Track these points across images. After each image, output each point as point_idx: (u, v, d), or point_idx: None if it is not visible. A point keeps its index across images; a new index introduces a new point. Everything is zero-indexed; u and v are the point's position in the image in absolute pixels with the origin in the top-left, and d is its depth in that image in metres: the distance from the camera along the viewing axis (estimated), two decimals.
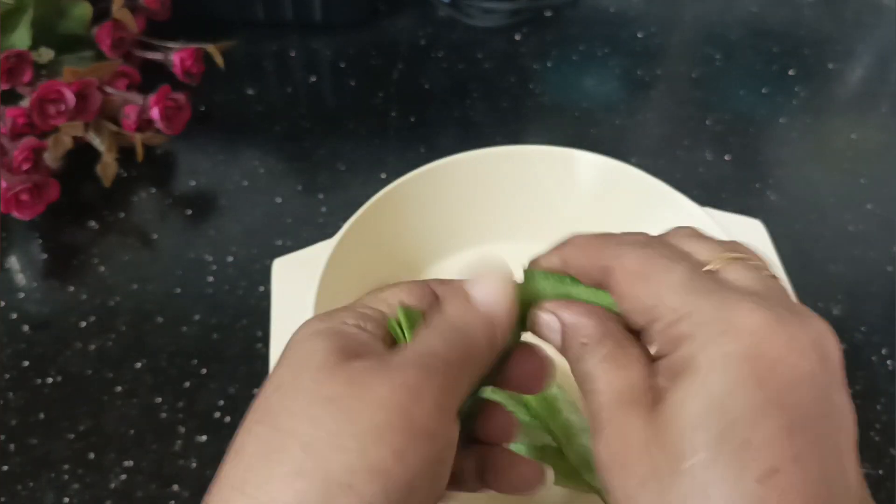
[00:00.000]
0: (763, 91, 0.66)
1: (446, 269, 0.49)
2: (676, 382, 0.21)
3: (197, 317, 0.50)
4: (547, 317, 0.26)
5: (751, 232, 0.44)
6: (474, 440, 0.28)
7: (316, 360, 0.23)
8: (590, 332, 0.25)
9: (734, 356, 0.20)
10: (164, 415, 0.45)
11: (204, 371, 0.47)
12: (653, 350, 0.23)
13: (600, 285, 0.26)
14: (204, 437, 0.44)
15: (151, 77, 0.61)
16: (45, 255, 0.54)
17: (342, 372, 0.22)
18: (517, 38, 0.71)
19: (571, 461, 0.34)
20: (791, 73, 0.68)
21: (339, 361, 0.23)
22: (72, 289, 0.51)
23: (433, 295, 0.27)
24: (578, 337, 0.25)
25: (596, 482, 0.33)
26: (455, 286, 0.27)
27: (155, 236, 0.55)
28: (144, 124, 0.58)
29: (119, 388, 0.46)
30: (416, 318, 0.26)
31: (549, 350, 0.27)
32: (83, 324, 0.50)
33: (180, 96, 0.58)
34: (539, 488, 0.28)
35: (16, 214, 0.52)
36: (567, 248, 0.27)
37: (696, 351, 0.21)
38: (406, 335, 0.25)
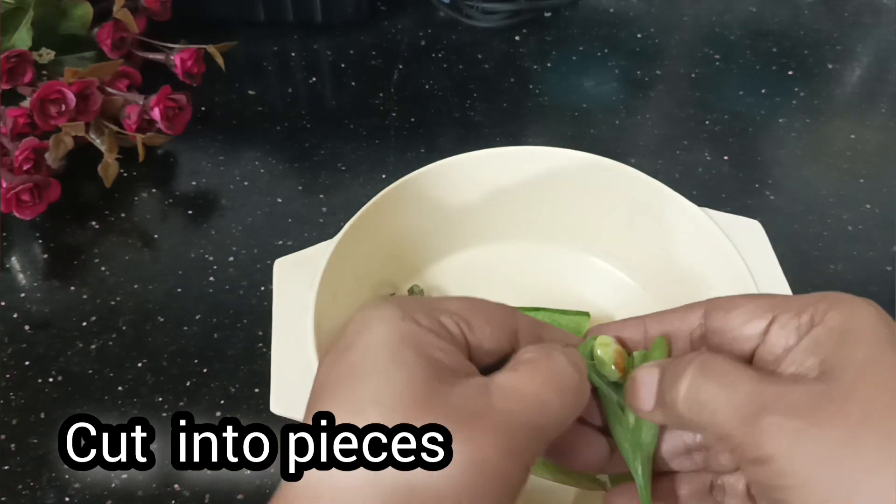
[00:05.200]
0: (762, 91, 0.66)
1: (446, 269, 0.50)
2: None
3: (198, 316, 0.50)
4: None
5: (749, 233, 0.44)
6: None
7: (407, 383, 0.22)
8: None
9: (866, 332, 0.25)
10: (165, 414, 0.45)
11: (205, 370, 0.47)
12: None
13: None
14: None
15: (152, 77, 0.61)
16: (46, 255, 0.54)
17: (441, 406, 0.22)
18: (517, 38, 0.71)
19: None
20: (790, 73, 0.68)
21: (434, 389, 0.22)
22: (73, 288, 0.52)
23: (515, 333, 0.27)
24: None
25: (603, 476, 0.32)
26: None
27: (156, 236, 0.55)
28: (145, 124, 0.58)
29: (120, 388, 0.47)
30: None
31: None
32: (84, 323, 0.50)
33: (181, 97, 0.58)
34: (604, 462, 0.29)
35: (17, 214, 0.52)
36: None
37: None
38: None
